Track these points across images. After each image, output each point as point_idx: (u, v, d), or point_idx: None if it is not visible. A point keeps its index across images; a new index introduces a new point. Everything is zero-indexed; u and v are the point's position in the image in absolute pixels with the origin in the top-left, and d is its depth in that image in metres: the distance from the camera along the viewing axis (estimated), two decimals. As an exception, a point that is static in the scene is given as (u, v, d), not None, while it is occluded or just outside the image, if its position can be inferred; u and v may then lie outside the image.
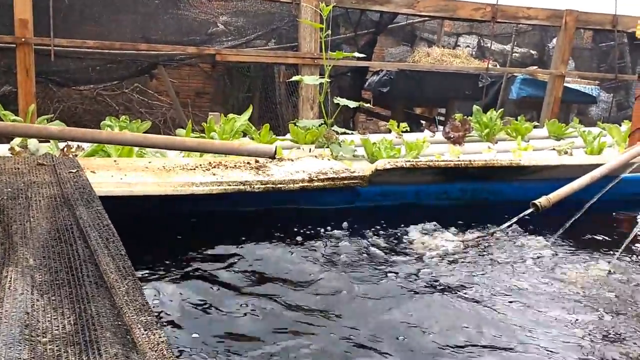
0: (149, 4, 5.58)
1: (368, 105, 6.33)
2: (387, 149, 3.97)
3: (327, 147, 3.97)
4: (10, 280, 1.31)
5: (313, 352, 1.65)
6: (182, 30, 5.66)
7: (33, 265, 1.39)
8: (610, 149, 4.41)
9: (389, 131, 4.87)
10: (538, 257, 2.42)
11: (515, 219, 2.50)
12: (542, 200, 2.47)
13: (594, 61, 9.04)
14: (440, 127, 6.30)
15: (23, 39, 4.48)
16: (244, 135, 4.07)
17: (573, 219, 2.53)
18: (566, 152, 4.32)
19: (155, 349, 1.01)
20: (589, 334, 1.88)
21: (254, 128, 4.14)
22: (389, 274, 2.20)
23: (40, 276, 1.34)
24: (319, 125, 4.12)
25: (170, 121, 8.27)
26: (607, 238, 2.70)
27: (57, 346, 1.09)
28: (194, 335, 1.68)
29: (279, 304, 1.90)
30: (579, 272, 2.34)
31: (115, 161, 2.38)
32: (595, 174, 2.75)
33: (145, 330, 1.06)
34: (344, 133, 4.19)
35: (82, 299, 1.24)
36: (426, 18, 7.93)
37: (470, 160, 2.76)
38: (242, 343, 1.68)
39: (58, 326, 1.16)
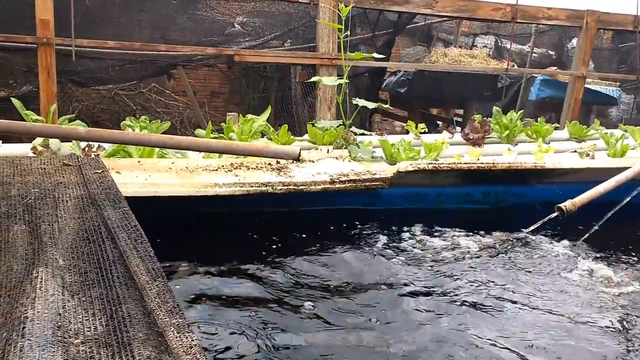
0: (168, 4, 5.61)
1: (386, 106, 6.32)
2: (406, 150, 3.93)
3: (345, 148, 3.95)
4: (41, 281, 1.32)
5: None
6: (199, 31, 5.68)
7: (63, 266, 1.39)
8: (634, 151, 4.33)
9: (406, 132, 4.83)
10: (562, 261, 2.39)
11: (539, 223, 2.47)
12: (567, 204, 2.44)
13: (614, 62, 8.92)
14: (458, 128, 6.25)
15: (44, 40, 4.52)
16: (262, 135, 4.06)
17: (600, 223, 2.49)
18: (588, 155, 4.25)
19: (189, 352, 1.01)
20: (616, 338, 1.85)
21: (272, 129, 4.14)
22: (414, 277, 2.18)
23: (70, 277, 1.35)
24: (337, 126, 4.10)
25: (187, 121, 8.32)
26: (634, 243, 2.66)
27: (89, 348, 1.10)
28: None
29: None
30: (603, 276, 2.30)
31: (139, 162, 2.39)
32: (621, 177, 2.71)
33: (178, 332, 1.05)
34: (362, 134, 4.17)
35: (112, 300, 1.24)
36: (445, 18, 7.88)
37: (493, 163, 2.73)
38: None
39: (90, 327, 1.16)
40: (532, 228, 2.49)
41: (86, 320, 1.18)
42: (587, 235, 2.51)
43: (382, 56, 4.69)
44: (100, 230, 1.57)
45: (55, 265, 1.39)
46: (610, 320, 1.95)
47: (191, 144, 2.28)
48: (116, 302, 1.22)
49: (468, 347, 1.74)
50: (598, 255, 2.47)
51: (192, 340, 1.04)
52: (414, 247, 2.43)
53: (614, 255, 2.50)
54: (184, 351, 1.00)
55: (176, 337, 1.04)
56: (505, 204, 2.83)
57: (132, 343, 1.07)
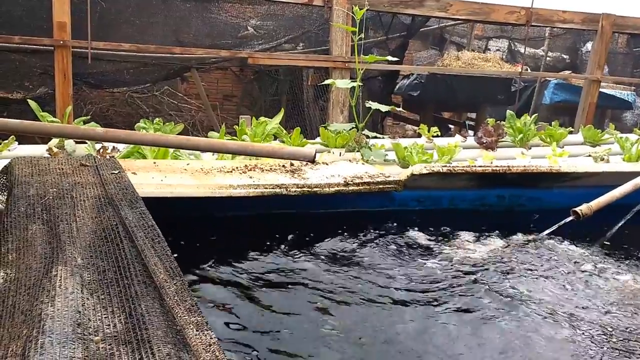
0: (182, 7, 5.66)
1: (399, 109, 6.34)
2: (418, 153, 3.93)
3: (357, 150, 3.96)
4: (60, 279, 1.33)
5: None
6: (213, 34, 5.71)
7: (81, 264, 1.41)
8: (649, 156, 4.29)
9: (419, 135, 4.83)
10: (578, 266, 2.37)
11: (555, 227, 2.45)
12: (583, 208, 2.42)
13: (629, 66, 8.85)
14: (471, 132, 6.22)
15: (61, 42, 4.57)
16: (275, 138, 4.08)
17: (615, 227, 2.47)
18: (602, 159, 4.22)
19: (208, 349, 1.01)
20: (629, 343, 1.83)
21: (284, 131, 4.16)
22: (425, 281, 2.17)
23: (89, 275, 1.36)
24: (350, 129, 4.11)
25: (198, 124, 8.36)
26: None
27: (109, 345, 1.11)
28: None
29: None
30: (617, 281, 2.28)
31: (154, 163, 2.41)
32: (638, 181, 2.68)
33: (197, 330, 1.06)
34: (375, 137, 4.17)
35: (131, 298, 1.25)
36: (459, 21, 7.86)
37: (508, 166, 2.72)
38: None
39: (109, 325, 1.17)
40: (547, 232, 2.48)
41: (105, 317, 1.19)
42: (604, 238, 2.49)
43: (395, 59, 4.70)
44: (117, 230, 1.58)
45: (73, 263, 1.41)
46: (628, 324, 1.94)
47: (208, 146, 2.29)
48: (135, 300, 1.23)
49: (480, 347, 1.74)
50: (614, 258, 2.45)
51: (212, 338, 1.05)
52: (422, 251, 2.42)
53: (629, 259, 2.48)
54: (203, 349, 1.01)
55: (196, 335, 1.05)
56: (520, 208, 2.81)
57: (152, 340, 1.08)
